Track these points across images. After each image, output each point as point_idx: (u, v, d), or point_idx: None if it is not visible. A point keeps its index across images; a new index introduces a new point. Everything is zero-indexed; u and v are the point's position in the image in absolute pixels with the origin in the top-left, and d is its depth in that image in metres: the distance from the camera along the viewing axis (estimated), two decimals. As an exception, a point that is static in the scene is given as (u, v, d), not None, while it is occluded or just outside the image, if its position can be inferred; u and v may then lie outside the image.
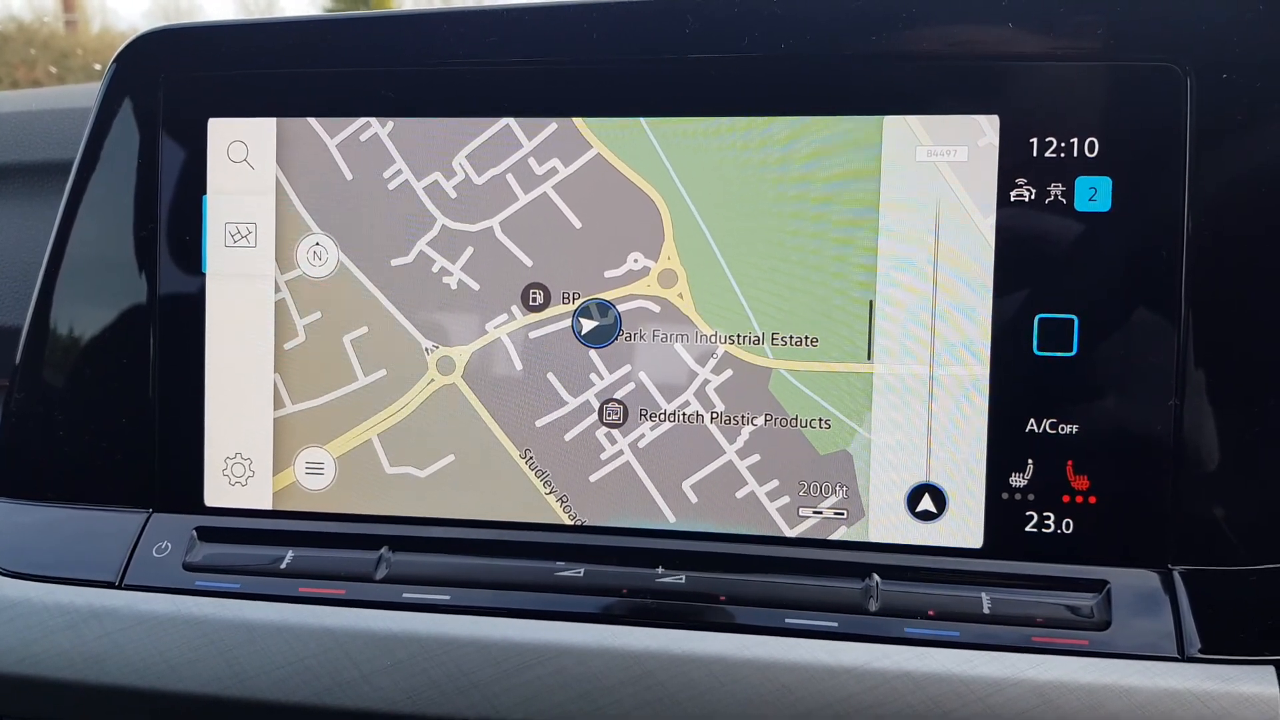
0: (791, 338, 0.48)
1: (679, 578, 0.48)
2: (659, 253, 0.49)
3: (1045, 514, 0.46)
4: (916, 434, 0.47)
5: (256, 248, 0.52)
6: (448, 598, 0.49)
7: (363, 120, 0.51)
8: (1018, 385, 0.46)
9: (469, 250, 0.51)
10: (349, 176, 0.52)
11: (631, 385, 0.50)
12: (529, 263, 0.50)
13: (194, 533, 0.52)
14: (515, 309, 0.50)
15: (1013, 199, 0.46)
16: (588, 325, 0.50)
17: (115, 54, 0.54)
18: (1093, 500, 0.46)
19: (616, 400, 0.50)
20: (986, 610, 0.45)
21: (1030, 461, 0.46)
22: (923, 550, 0.47)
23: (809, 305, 0.48)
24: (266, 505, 0.53)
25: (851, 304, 0.48)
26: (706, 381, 0.49)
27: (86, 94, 0.72)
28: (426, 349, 0.51)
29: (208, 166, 0.53)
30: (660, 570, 0.48)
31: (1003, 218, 0.46)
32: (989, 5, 0.46)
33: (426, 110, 0.51)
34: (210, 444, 0.53)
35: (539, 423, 0.50)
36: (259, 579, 0.50)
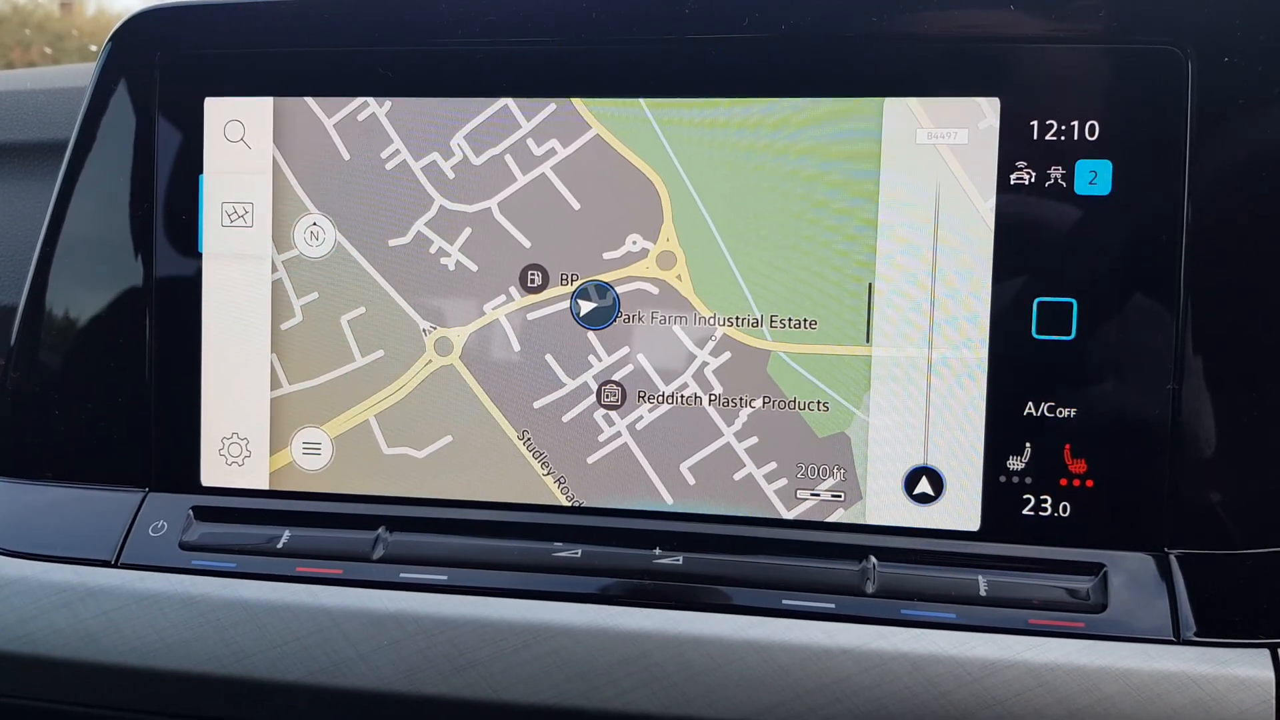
0: (790, 320, 0.48)
1: (676, 559, 0.48)
2: (658, 234, 0.49)
3: (1042, 497, 0.46)
4: (914, 417, 0.47)
5: (253, 228, 0.52)
6: (445, 578, 0.49)
7: (360, 100, 0.51)
8: (1016, 368, 0.46)
9: (467, 231, 0.51)
10: (346, 156, 0.51)
11: (630, 367, 0.50)
12: (527, 244, 0.50)
13: (190, 512, 0.52)
14: (513, 290, 0.50)
15: (1013, 182, 0.46)
16: (586, 307, 0.50)
17: (110, 33, 0.54)
18: (1090, 484, 0.46)
19: (615, 382, 0.50)
20: (983, 592, 0.45)
21: (1028, 445, 0.46)
22: (920, 533, 0.47)
23: (808, 288, 0.48)
24: (263, 485, 0.52)
25: (850, 287, 0.48)
26: (705, 363, 0.49)
27: (82, 74, 0.72)
28: (424, 330, 0.51)
29: (204, 146, 0.52)
30: (658, 551, 0.48)
31: (1002, 201, 0.46)
32: (991, -13, 0.46)
33: (424, 90, 0.51)
34: (207, 424, 0.53)
35: (537, 404, 0.50)
36: (255, 558, 0.50)
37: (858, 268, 0.47)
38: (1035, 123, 0.46)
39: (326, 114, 0.51)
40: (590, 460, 0.50)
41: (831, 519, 0.48)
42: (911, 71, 0.47)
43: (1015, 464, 0.47)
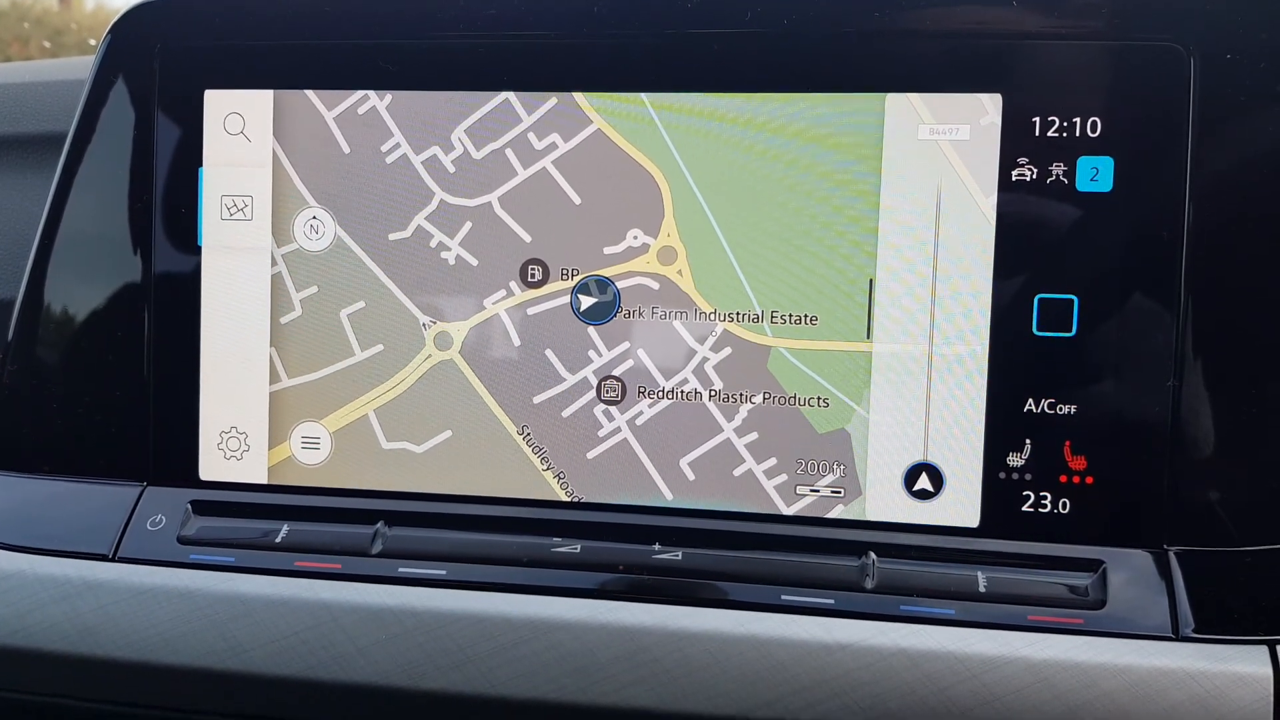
0: (791, 316, 0.48)
1: (675, 554, 0.48)
2: (659, 229, 0.49)
3: (1042, 494, 0.46)
4: (915, 413, 0.47)
5: (253, 221, 0.52)
6: (444, 573, 0.48)
7: (361, 93, 0.51)
8: (1016, 365, 0.46)
9: (467, 225, 0.50)
10: (346, 150, 0.51)
11: (630, 362, 0.50)
12: (528, 238, 0.50)
13: (188, 506, 0.52)
14: (514, 285, 0.50)
15: (1014, 178, 0.46)
16: (586, 302, 0.50)
17: (110, 25, 0.53)
18: (1089, 480, 0.46)
19: (615, 377, 0.50)
20: (982, 589, 0.45)
21: (1028, 441, 0.46)
22: (919, 529, 0.47)
23: (809, 283, 0.48)
24: (262, 479, 0.52)
25: (851, 282, 0.48)
26: (705, 359, 0.49)
27: (82, 66, 0.72)
28: (424, 324, 0.51)
29: (204, 139, 0.52)
30: (657, 547, 0.48)
31: (1004, 197, 0.46)
32: (993, -18, 0.46)
33: (425, 83, 0.50)
34: (205, 418, 0.53)
35: (536, 399, 0.50)
36: (253, 553, 0.50)
37: (859, 264, 0.47)
38: (1037, 119, 0.46)
39: (327, 107, 0.51)
40: (590, 455, 0.50)
41: (831, 515, 0.48)
42: (913, 67, 0.47)
43: (1015, 460, 0.47)
